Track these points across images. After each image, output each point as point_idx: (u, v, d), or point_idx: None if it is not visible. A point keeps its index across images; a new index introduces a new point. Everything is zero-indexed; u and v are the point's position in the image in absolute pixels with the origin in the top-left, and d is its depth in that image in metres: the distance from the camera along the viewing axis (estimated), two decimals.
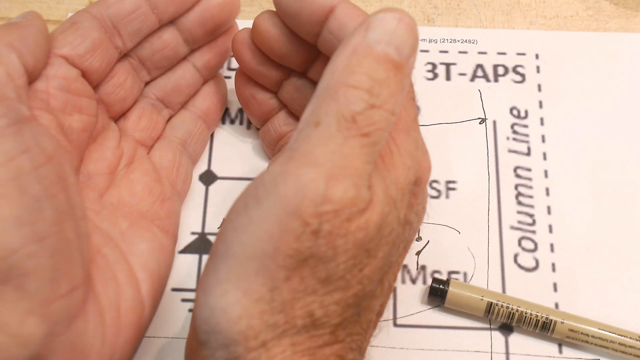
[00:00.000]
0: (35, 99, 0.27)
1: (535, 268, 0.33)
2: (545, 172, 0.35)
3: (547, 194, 0.35)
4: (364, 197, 0.22)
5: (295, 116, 0.33)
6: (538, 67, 0.37)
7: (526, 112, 0.36)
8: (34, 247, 0.23)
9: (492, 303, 0.31)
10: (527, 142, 0.36)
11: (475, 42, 0.38)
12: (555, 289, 0.33)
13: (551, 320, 0.31)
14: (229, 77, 0.37)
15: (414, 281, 0.33)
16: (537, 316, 0.31)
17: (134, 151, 0.32)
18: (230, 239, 0.23)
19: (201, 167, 0.35)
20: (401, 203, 0.24)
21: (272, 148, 0.34)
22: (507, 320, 0.31)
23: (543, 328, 0.31)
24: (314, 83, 0.31)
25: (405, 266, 0.33)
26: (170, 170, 0.33)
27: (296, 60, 0.31)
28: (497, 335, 0.32)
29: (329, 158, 0.22)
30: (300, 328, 0.23)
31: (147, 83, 0.33)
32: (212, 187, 0.35)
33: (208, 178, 0.35)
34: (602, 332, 0.31)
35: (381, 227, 0.23)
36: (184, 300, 0.32)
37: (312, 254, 0.22)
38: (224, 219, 0.24)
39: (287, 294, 0.22)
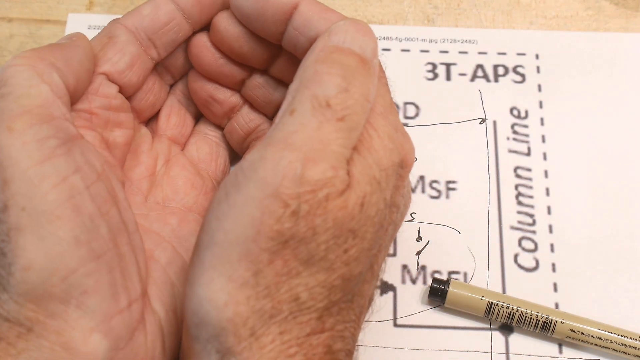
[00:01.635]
0: (79, 118, 0.27)
1: (536, 268, 0.33)
2: (546, 172, 0.35)
3: (547, 194, 0.35)
4: (342, 178, 0.23)
5: (259, 111, 0.32)
6: (538, 67, 0.37)
7: (526, 112, 0.36)
8: (92, 265, 0.23)
9: (492, 303, 0.31)
10: (527, 142, 0.36)
11: (475, 42, 0.38)
12: (555, 289, 0.33)
13: (551, 320, 0.31)
14: None
15: (414, 281, 0.33)
16: (537, 316, 0.31)
17: (168, 150, 0.32)
18: (214, 227, 0.23)
19: None
20: (386, 184, 0.25)
21: (240, 145, 0.33)
22: (507, 321, 0.31)
23: (543, 328, 0.31)
24: (277, 79, 0.31)
25: (405, 266, 0.33)
26: (209, 162, 0.33)
27: (258, 59, 0.30)
28: (498, 336, 0.32)
29: (305, 142, 0.23)
30: (287, 314, 0.23)
31: (174, 84, 0.33)
32: None
33: None
34: (602, 332, 0.31)
35: (364, 207, 0.23)
36: None
37: (293, 235, 0.22)
38: (209, 208, 0.24)
39: (272, 277, 0.22)
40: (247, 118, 0.32)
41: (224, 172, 0.34)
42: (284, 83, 0.31)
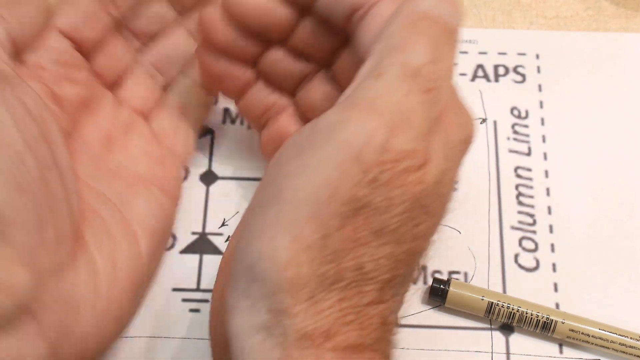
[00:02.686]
0: (27, 70, 0.27)
1: (536, 268, 0.33)
2: (546, 172, 0.35)
3: (548, 194, 0.35)
4: (423, 151, 0.22)
5: (277, 84, 0.31)
6: (538, 67, 0.37)
7: (527, 112, 0.36)
8: (17, 196, 0.23)
9: (492, 303, 0.31)
10: (527, 142, 0.36)
11: (475, 42, 0.38)
12: (555, 289, 0.33)
13: (552, 320, 0.31)
14: None
15: (414, 281, 0.33)
16: (537, 316, 0.31)
17: (130, 119, 0.32)
18: (282, 184, 0.22)
19: (201, 167, 0.35)
20: (455, 161, 0.24)
21: (258, 121, 0.32)
22: (507, 320, 0.31)
23: (544, 328, 0.31)
24: (297, 52, 0.30)
25: None
26: (169, 134, 0.33)
27: (278, 30, 0.29)
28: (498, 336, 0.32)
29: (391, 109, 0.22)
30: (349, 281, 0.22)
31: (141, 52, 0.33)
32: (212, 187, 0.35)
33: (208, 178, 0.35)
34: (603, 332, 0.31)
35: (439, 184, 0.23)
36: (184, 300, 0.32)
37: (368, 203, 0.21)
38: (268, 165, 0.24)
39: (339, 243, 0.21)
40: (263, 93, 0.31)
41: (185, 145, 0.34)
42: (304, 55, 0.30)
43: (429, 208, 0.23)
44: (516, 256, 0.33)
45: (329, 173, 0.21)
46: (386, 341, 0.23)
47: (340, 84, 0.30)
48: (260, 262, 0.21)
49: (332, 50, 0.29)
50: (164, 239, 0.31)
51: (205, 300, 0.32)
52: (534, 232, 0.34)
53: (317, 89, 0.30)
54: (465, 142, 0.25)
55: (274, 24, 0.29)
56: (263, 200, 0.23)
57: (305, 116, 0.31)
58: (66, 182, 0.26)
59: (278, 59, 0.30)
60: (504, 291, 0.33)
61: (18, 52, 0.27)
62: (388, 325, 0.23)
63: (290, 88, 0.31)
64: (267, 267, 0.21)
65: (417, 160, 0.22)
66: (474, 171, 0.35)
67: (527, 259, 0.33)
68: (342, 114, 0.22)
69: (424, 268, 0.33)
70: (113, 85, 0.32)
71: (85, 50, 0.30)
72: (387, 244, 0.22)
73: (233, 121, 0.36)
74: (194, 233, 0.34)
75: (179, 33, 0.33)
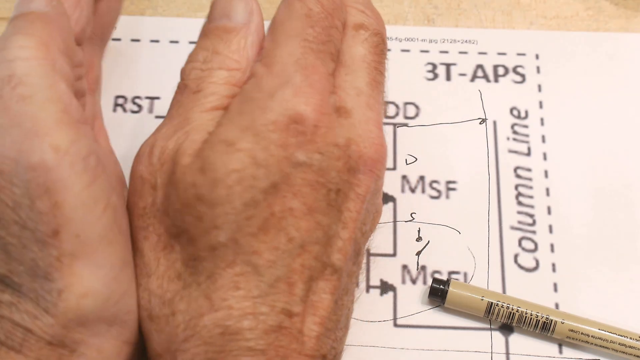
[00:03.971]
0: None
1: (536, 268, 0.33)
2: (546, 172, 0.35)
3: (547, 194, 0.35)
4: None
5: None
6: (538, 68, 0.37)
7: (526, 112, 0.36)
8: (132, 283, 0.24)
9: (492, 303, 0.31)
10: (527, 142, 0.36)
11: (475, 42, 0.38)
12: (555, 289, 0.33)
13: (551, 320, 0.31)
14: None
15: (414, 281, 0.33)
16: (537, 316, 0.31)
17: None
18: None
19: None
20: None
21: None
22: (507, 321, 0.31)
23: (543, 328, 0.31)
24: None
25: (405, 266, 0.33)
26: None
27: None
28: (498, 336, 0.32)
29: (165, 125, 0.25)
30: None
31: None
32: None
33: None
34: (603, 332, 0.31)
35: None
36: None
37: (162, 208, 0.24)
38: None
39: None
40: None
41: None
42: None
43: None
44: (516, 256, 0.33)
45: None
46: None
47: None
48: None
49: None
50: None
51: None
52: (533, 232, 0.34)
53: None
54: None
55: None
56: None
57: None
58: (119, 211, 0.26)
59: None
60: (504, 291, 0.33)
61: None
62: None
63: None
64: None
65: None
66: (474, 171, 0.35)
67: (526, 259, 0.33)
68: None
69: (424, 268, 0.33)
70: None
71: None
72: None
73: None
74: None
75: None
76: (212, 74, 0.25)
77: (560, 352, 0.32)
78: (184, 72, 0.26)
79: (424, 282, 0.33)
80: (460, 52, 0.38)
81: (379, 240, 0.33)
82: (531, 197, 0.34)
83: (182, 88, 0.26)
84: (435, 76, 0.37)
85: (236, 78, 0.25)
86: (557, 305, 0.32)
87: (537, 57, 0.38)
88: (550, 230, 0.34)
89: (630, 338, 0.31)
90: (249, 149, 0.23)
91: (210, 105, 0.25)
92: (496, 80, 0.37)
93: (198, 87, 0.25)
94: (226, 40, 0.26)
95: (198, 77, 0.25)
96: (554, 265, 0.33)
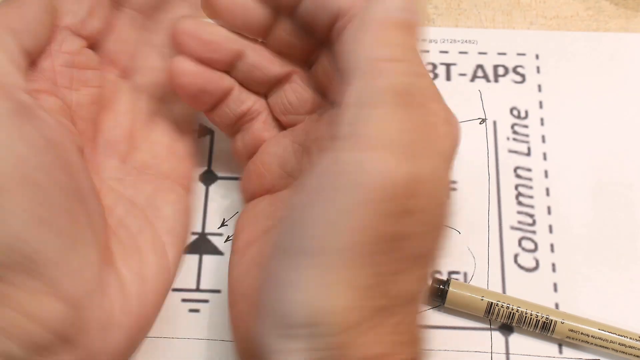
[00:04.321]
0: (42, 78, 0.27)
1: (536, 268, 0.33)
2: (546, 172, 0.35)
3: (547, 194, 0.35)
4: (437, 171, 0.23)
5: (252, 89, 0.30)
6: (538, 67, 0.37)
7: (526, 112, 0.36)
8: (40, 231, 0.23)
9: (492, 303, 0.31)
10: (527, 142, 0.36)
11: (475, 42, 0.38)
12: (555, 289, 0.33)
13: (551, 320, 0.31)
14: None
15: None
16: (537, 316, 0.31)
17: (149, 109, 0.32)
18: (312, 232, 0.22)
19: (201, 167, 0.35)
20: (449, 172, 0.24)
21: (231, 128, 0.32)
22: (507, 321, 0.31)
23: (543, 328, 0.31)
24: (274, 54, 0.29)
25: None
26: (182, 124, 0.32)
27: (256, 29, 0.29)
28: (497, 336, 0.32)
29: (400, 136, 0.22)
30: (400, 305, 0.23)
31: (148, 29, 0.31)
32: (212, 187, 0.35)
33: (208, 178, 0.35)
34: (602, 332, 0.31)
35: (445, 196, 0.23)
36: (184, 300, 0.32)
37: (407, 234, 0.22)
38: (288, 212, 0.24)
39: (388, 276, 0.22)
40: (238, 101, 0.30)
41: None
42: (282, 56, 0.30)
43: (442, 222, 0.24)
44: (516, 256, 0.33)
45: (364, 215, 0.22)
46: (421, 348, 0.24)
47: (317, 86, 0.30)
48: (317, 312, 0.22)
49: (310, 52, 0.29)
50: (186, 242, 0.31)
51: (205, 301, 0.32)
52: (533, 232, 0.34)
53: (292, 91, 0.30)
54: (454, 148, 0.25)
55: (253, 23, 0.28)
56: (300, 250, 0.23)
57: (279, 119, 0.31)
58: (89, 207, 0.26)
59: (253, 64, 0.29)
60: (504, 291, 0.33)
61: (33, 61, 0.27)
62: (421, 333, 0.24)
63: (265, 91, 0.31)
64: (326, 315, 0.22)
65: (435, 181, 0.23)
66: (474, 171, 0.35)
67: (526, 259, 0.33)
68: (357, 154, 0.22)
69: None
70: (127, 71, 0.31)
71: (95, 42, 0.29)
72: (423, 266, 0.23)
73: None
74: (193, 233, 0.34)
75: (182, 5, 0.31)
76: (427, 84, 0.23)
77: (560, 352, 0.32)
78: (388, 71, 0.23)
79: None
80: (460, 52, 0.38)
81: None
82: (531, 197, 0.34)
83: (399, 97, 0.23)
84: (435, 76, 0.37)
85: None
86: (557, 305, 0.32)
87: (537, 57, 0.38)
88: (550, 230, 0.34)
89: (630, 338, 0.31)
90: None
91: (432, 129, 0.23)
92: (496, 80, 0.37)
93: (421, 99, 0.23)
94: (415, 39, 0.24)
95: (418, 86, 0.23)
96: (554, 265, 0.33)
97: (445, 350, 0.31)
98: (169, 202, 0.30)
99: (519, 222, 0.34)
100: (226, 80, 0.30)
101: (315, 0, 0.26)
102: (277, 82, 0.30)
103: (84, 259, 0.25)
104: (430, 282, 0.32)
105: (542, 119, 0.36)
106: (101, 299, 0.25)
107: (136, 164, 0.31)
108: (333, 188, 0.22)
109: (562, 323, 0.31)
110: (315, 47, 0.29)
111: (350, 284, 0.22)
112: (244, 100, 0.31)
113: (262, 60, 0.29)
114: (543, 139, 0.36)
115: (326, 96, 0.29)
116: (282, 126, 0.31)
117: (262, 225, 0.29)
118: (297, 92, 0.30)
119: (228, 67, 0.30)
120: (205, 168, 0.35)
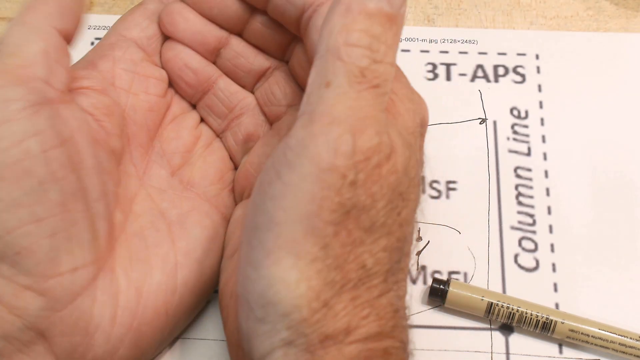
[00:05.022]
0: (97, 77, 0.28)
1: (536, 268, 0.33)
2: (546, 172, 0.35)
3: (547, 194, 0.35)
4: (387, 143, 0.23)
5: (238, 81, 0.32)
6: (538, 68, 0.37)
7: (526, 112, 0.36)
8: (31, 227, 0.24)
9: (492, 303, 0.31)
10: (527, 142, 0.36)
11: (475, 42, 0.38)
12: (555, 289, 0.33)
13: (551, 320, 0.31)
14: None
15: (414, 281, 0.33)
16: (537, 316, 0.31)
17: (212, 137, 0.32)
18: (270, 208, 0.23)
19: None
20: (415, 146, 0.25)
21: (220, 124, 0.32)
22: (507, 321, 0.31)
23: (543, 328, 0.31)
24: (254, 46, 0.31)
25: None
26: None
27: (233, 22, 0.30)
28: (498, 336, 0.32)
29: (348, 113, 0.23)
30: (356, 281, 0.23)
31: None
32: None
33: None
34: (602, 332, 0.31)
35: (407, 169, 0.24)
36: None
37: (354, 205, 0.23)
38: (253, 191, 0.25)
39: (338, 248, 0.23)
40: (227, 91, 0.32)
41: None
42: (261, 49, 0.31)
43: (404, 194, 0.24)
44: (516, 256, 0.33)
45: (311, 187, 0.22)
46: (401, 327, 0.24)
47: (297, 80, 0.31)
48: (271, 287, 0.22)
49: (286, 46, 0.30)
50: (210, 273, 0.30)
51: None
52: (533, 232, 0.34)
53: (275, 83, 0.31)
54: (421, 126, 0.27)
55: (230, 16, 0.30)
56: (258, 226, 0.24)
57: (268, 115, 0.32)
58: (93, 210, 0.26)
59: (238, 51, 0.31)
60: (504, 291, 0.33)
61: (92, 62, 0.28)
62: (399, 312, 0.24)
63: (252, 83, 0.32)
64: (279, 290, 0.22)
65: (384, 152, 0.23)
66: (474, 171, 0.35)
67: (526, 259, 0.33)
68: (306, 130, 0.23)
69: (424, 268, 0.33)
70: (197, 100, 0.32)
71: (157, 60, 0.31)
72: (380, 237, 0.23)
73: None
74: None
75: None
76: (387, 70, 0.24)
77: (560, 352, 0.32)
78: (348, 54, 0.23)
79: (424, 282, 0.33)
80: (461, 52, 0.38)
81: None
82: (531, 197, 0.34)
83: (356, 78, 0.23)
84: (436, 76, 0.37)
85: None
86: (557, 305, 0.32)
87: (537, 57, 0.38)
88: (550, 230, 0.34)
89: (630, 338, 0.31)
90: (415, 151, 0.26)
91: (385, 107, 0.24)
92: (496, 80, 0.37)
93: (376, 81, 0.23)
94: (387, 30, 0.24)
95: (373, 69, 0.23)
96: (554, 265, 0.33)
97: (445, 350, 0.31)
98: (200, 225, 0.30)
99: (519, 222, 0.34)
100: (210, 67, 0.31)
101: None
102: (262, 74, 0.31)
103: (77, 260, 0.25)
104: (413, 267, 0.33)
105: (542, 119, 0.36)
106: (89, 303, 0.25)
107: (183, 179, 0.31)
108: (287, 163, 0.23)
109: (562, 323, 0.31)
110: (290, 41, 0.30)
111: (299, 256, 0.22)
112: (233, 92, 0.32)
113: (246, 49, 0.31)
114: (543, 139, 0.36)
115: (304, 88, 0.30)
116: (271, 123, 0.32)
117: None
118: (280, 84, 0.31)
119: (214, 55, 0.31)
120: None
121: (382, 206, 0.23)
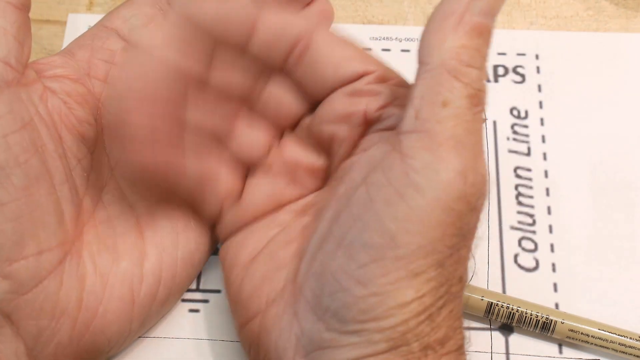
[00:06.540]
0: (73, 66, 0.28)
1: (536, 268, 0.33)
2: (546, 172, 0.35)
3: (547, 194, 0.35)
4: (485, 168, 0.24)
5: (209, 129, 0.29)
6: (538, 68, 0.37)
7: (526, 112, 0.36)
8: None
9: (492, 303, 0.31)
10: (527, 142, 0.36)
11: None
12: (555, 289, 0.33)
13: (551, 320, 0.31)
14: None
15: None
16: (537, 316, 0.31)
17: None
18: (393, 229, 0.23)
19: None
20: None
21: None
22: (507, 321, 0.31)
23: (543, 328, 0.31)
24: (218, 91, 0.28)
25: None
26: None
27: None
28: (497, 336, 0.32)
29: (470, 137, 0.23)
30: (455, 294, 0.24)
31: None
32: None
33: None
34: (602, 332, 0.31)
35: None
36: (184, 300, 0.32)
37: (470, 230, 0.24)
38: (356, 196, 0.25)
39: (450, 267, 0.24)
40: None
41: None
42: (227, 95, 0.28)
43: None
44: (516, 256, 0.33)
45: (440, 214, 0.23)
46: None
47: (264, 114, 0.29)
48: (383, 304, 0.23)
49: (253, 84, 0.28)
50: (181, 267, 0.30)
51: (205, 301, 0.32)
52: (533, 232, 0.34)
53: (244, 127, 0.29)
54: None
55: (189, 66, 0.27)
56: (367, 244, 0.23)
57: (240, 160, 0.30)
58: (57, 192, 0.26)
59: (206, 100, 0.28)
60: (504, 291, 0.33)
61: (70, 51, 0.28)
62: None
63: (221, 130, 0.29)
64: (392, 308, 0.23)
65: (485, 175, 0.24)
66: None
67: (526, 259, 0.33)
68: (433, 153, 0.23)
69: None
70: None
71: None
72: (468, 250, 0.25)
73: None
74: None
75: None
76: (484, 87, 0.24)
77: (560, 352, 0.32)
78: (465, 75, 0.23)
79: None
80: None
81: None
82: (531, 197, 0.34)
83: (473, 99, 0.23)
84: None
85: None
86: (557, 305, 0.32)
87: (537, 57, 0.38)
88: (550, 230, 0.34)
89: (630, 338, 0.31)
90: None
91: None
92: (496, 80, 0.37)
93: (484, 102, 0.24)
94: (487, 44, 0.24)
95: (484, 90, 0.24)
96: (554, 265, 0.33)
97: None
98: (171, 217, 0.30)
99: (519, 222, 0.34)
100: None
101: (271, 31, 0.26)
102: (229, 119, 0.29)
103: (42, 244, 0.25)
104: None
105: (542, 119, 0.36)
106: (55, 286, 0.26)
107: None
108: (413, 186, 0.23)
109: (562, 323, 0.31)
110: (258, 80, 0.28)
111: (420, 278, 0.23)
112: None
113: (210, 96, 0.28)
114: (543, 139, 0.36)
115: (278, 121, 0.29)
116: None
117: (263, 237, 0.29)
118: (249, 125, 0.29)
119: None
120: None
121: (478, 224, 0.25)
